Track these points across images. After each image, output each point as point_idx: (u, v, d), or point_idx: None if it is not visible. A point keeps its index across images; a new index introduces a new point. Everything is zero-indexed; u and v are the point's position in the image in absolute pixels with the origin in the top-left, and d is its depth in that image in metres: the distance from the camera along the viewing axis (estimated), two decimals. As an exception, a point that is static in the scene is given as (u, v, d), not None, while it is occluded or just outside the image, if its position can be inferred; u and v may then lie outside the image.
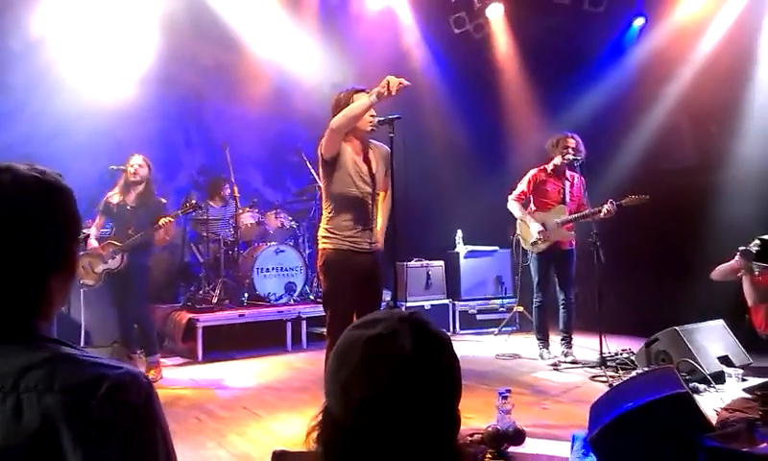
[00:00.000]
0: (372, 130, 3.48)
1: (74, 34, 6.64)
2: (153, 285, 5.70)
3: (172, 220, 4.85)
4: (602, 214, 4.93)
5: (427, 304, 6.89)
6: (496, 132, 7.69)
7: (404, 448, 0.88)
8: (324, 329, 3.80)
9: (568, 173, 5.35)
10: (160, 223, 4.75)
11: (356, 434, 0.89)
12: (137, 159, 4.96)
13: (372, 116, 3.45)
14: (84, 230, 3.33)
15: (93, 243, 4.93)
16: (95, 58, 6.69)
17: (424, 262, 7.09)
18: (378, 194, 3.61)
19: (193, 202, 5.19)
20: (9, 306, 0.92)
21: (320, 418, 0.95)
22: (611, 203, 4.91)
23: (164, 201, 5.18)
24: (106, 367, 0.92)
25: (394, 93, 3.22)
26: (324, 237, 3.52)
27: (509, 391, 3.20)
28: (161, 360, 5.31)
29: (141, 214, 4.92)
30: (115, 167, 4.94)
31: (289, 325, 6.31)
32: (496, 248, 7.20)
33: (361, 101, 3.32)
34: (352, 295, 3.44)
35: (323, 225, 3.56)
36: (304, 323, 6.37)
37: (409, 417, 0.88)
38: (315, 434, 0.94)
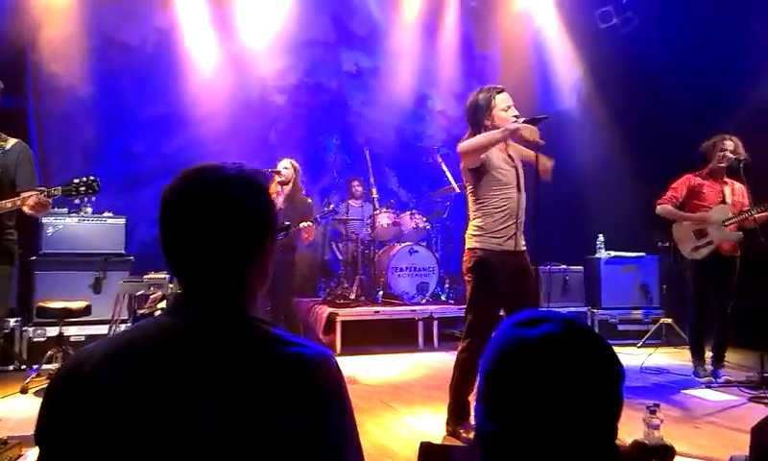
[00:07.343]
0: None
1: (236, 48, 7.33)
2: (298, 280, 6.05)
3: (311, 224, 5.09)
4: None
5: (564, 311, 6.61)
6: (644, 132, 7.23)
7: (562, 451, 0.87)
8: (460, 330, 3.81)
9: (727, 178, 4.92)
10: (301, 226, 5.01)
11: (520, 432, 0.89)
12: (285, 162, 5.31)
13: (516, 117, 3.44)
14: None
15: None
16: (252, 74, 7.33)
17: (562, 267, 6.86)
18: (522, 192, 3.56)
19: (330, 207, 5.43)
20: (219, 290, 1.04)
21: (478, 418, 0.94)
22: None
23: (310, 200, 5.48)
24: (304, 346, 1.02)
25: (528, 140, 3.41)
26: (473, 237, 3.51)
27: (657, 405, 3.02)
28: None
29: (290, 214, 5.26)
30: (269, 170, 5.30)
31: (421, 324, 6.44)
32: (642, 254, 6.79)
33: (491, 135, 3.38)
34: (502, 296, 3.45)
35: (472, 225, 3.54)
36: (436, 323, 6.46)
37: (573, 426, 0.87)
38: (471, 434, 0.95)
